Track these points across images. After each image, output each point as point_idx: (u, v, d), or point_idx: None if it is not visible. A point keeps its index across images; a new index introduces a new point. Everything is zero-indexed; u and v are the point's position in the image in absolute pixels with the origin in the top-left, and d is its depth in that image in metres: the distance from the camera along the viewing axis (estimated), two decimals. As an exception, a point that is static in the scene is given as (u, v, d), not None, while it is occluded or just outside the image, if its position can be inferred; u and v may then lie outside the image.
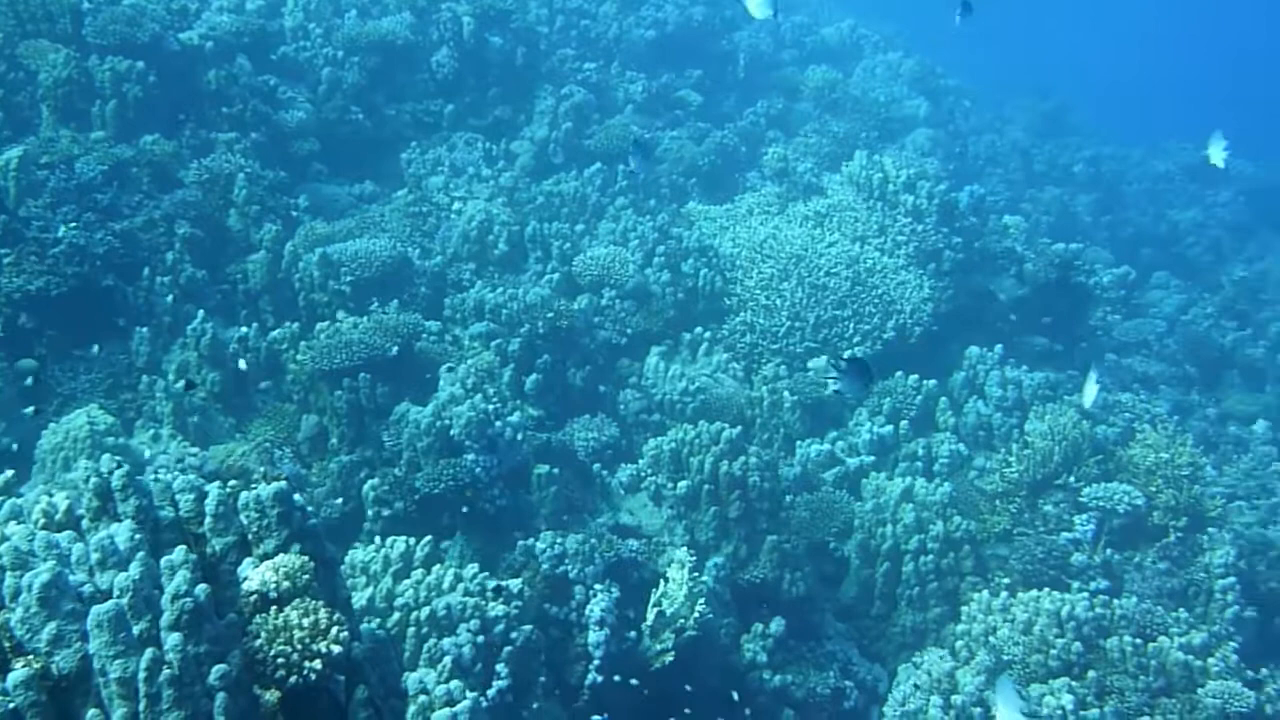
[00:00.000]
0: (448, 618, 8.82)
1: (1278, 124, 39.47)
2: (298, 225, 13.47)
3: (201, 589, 4.73)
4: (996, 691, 8.86)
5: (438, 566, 9.28)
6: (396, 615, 8.82)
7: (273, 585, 5.23)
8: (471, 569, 9.34)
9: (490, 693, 8.68)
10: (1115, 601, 10.54)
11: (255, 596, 5.22)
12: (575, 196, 15.14)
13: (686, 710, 9.95)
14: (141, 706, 4.52)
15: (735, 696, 10.46)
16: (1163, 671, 9.68)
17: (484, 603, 9.04)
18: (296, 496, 5.61)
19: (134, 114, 13.37)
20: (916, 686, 9.99)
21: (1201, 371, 17.63)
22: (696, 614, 10.11)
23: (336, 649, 5.12)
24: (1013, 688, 8.66)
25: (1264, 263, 22.24)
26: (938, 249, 14.72)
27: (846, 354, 13.18)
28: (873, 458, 12.70)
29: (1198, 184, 26.28)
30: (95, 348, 11.15)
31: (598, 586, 10.06)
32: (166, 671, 4.53)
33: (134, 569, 4.72)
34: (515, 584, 9.44)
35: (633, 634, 10.10)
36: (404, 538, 9.48)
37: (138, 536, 4.97)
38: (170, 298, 11.72)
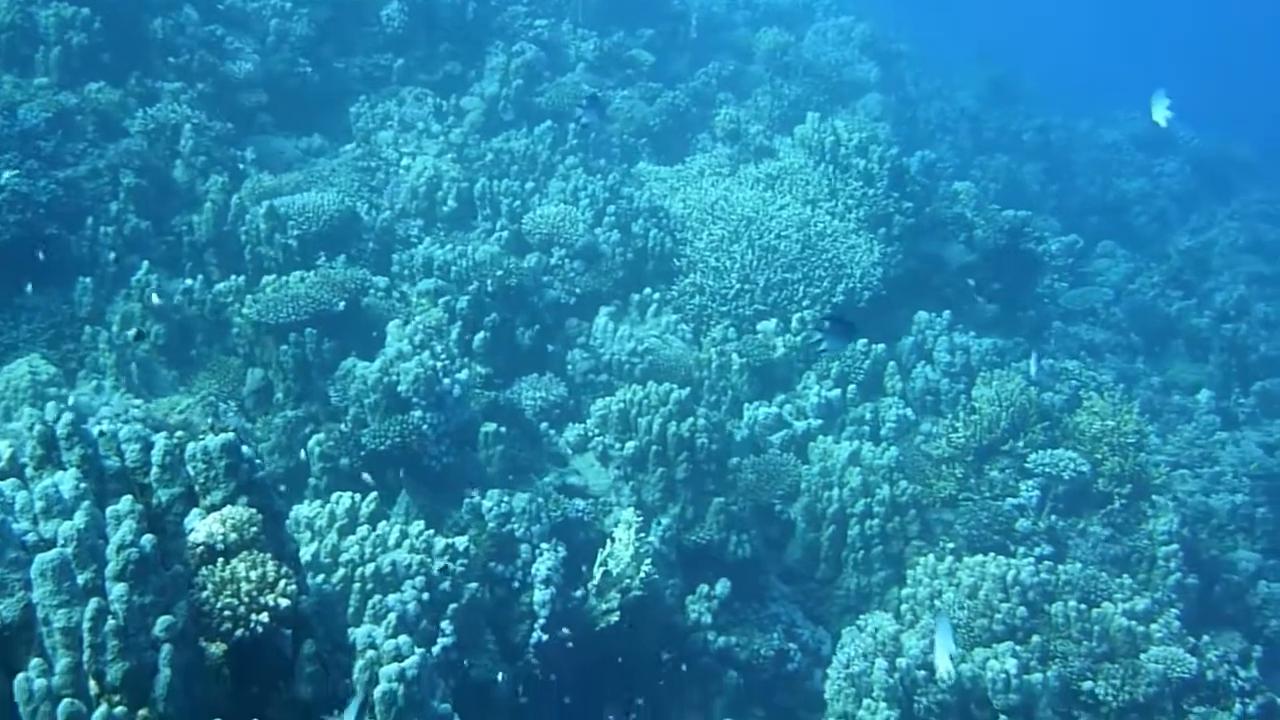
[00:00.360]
0: (393, 574, 8.77)
1: (1225, 95, 39.68)
2: (244, 178, 13.30)
3: (148, 539, 4.66)
4: (935, 627, 8.90)
5: (383, 523, 9.21)
6: (341, 571, 8.76)
7: (220, 537, 5.17)
8: (417, 526, 9.28)
9: (435, 650, 8.63)
10: (1060, 567, 10.58)
11: (202, 548, 5.16)
12: (525, 154, 15.03)
13: (619, 659, 9.96)
14: (85, 657, 4.45)
15: (665, 656, 10.49)
16: (1106, 637, 9.71)
17: (429, 560, 8.99)
18: (244, 448, 5.54)
19: (78, 61, 13.16)
20: (864, 653, 9.99)
21: (1146, 340, 17.74)
22: (642, 574, 10.10)
23: (284, 602, 5.07)
24: (949, 625, 8.69)
25: (1209, 233, 22.38)
26: (888, 214, 14.70)
27: (805, 314, 13.22)
28: (820, 421, 12.68)
29: (1145, 154, 26.42)
30: (28, 287, 10.99)
31: (544, 545, 10.02)
32: (111, 622, 4.46)
33: (79, 518, 4.64)
34: (461, 542, 9.38)
35: (578, 593, 10.07)
36: (349, 493, 9.39)
37: (83, 485, 4.89)
38: (113, 255, 11.56)
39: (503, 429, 11.10)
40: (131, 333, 10.76)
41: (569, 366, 12.72)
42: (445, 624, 8.85)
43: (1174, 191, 24.90)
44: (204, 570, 5.07)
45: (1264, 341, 17.48)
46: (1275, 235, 22.80)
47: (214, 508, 5.36)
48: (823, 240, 14.05)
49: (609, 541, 10.31)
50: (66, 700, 4.29)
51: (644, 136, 16.80)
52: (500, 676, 9.21)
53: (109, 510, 4.75)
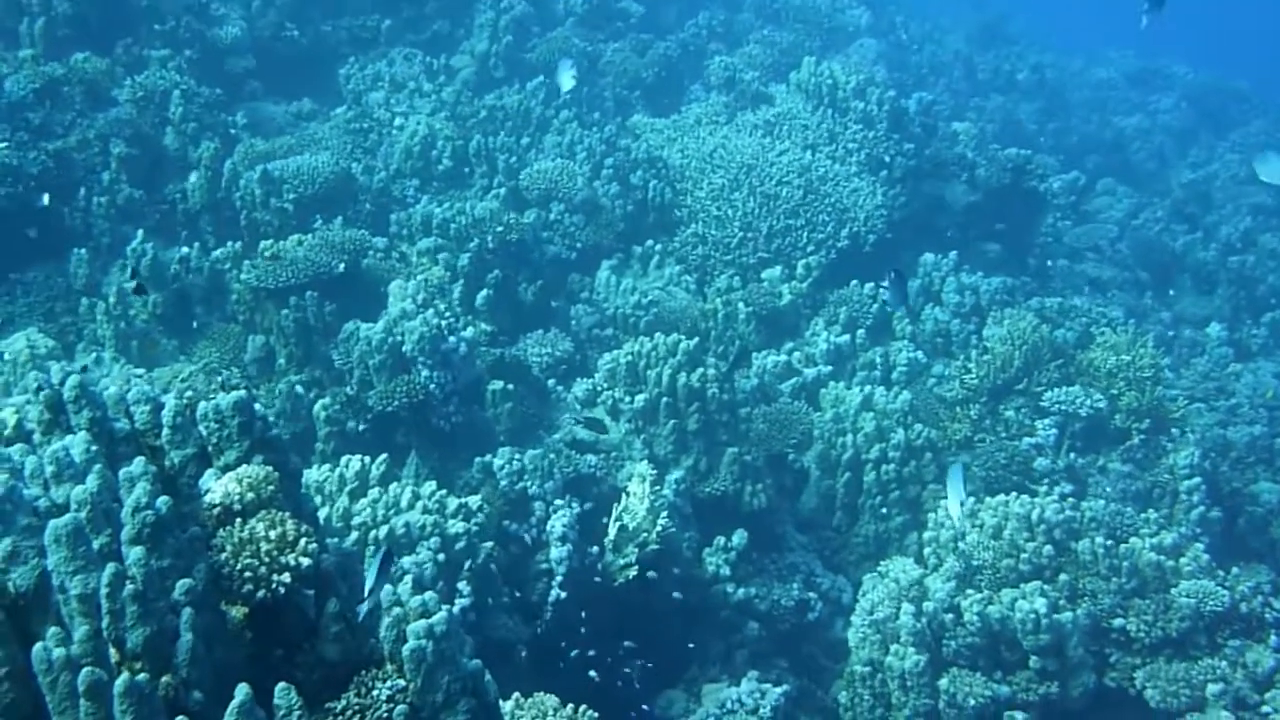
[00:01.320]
0: (407, 536, 8.63)
1: (1219, 29, 39.44)
2: (236, 143, 13.14)
3: (163, 501, 4.50)
4: (948, 480, 8.77)
5: (395, 485, 9.07)
6: (354, 535, 8.62)
7: (236, 497, 5.01)
8: (429, 486, 9.14)
9: (454, 611, 8.50)
10: (1084, 504, 10.42)
11: (218, 509, 5.00)
12: (519, 110, 14.84)
13: (638, 614, 9.84)
14: (104, 624, 4.29)
15: (682, 597, 10.37)
16: (1135, 573, 9.58)
17: (443, 520, 8.85)
18: (257, 406, 5.38)
19: (64, 31, 12.97)
20: (889, 599, 9.84)
21: (1153, 275, 17.57)
22: (659, 528, 9.95)
23: (305, 561, 4.91)
24: (961, 476, 8.57)
25: (1210, 166, 22.17)
26: (889, 156, 14.53)
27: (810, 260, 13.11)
28: (830, 368, 12.55)
29: (1140, 91, 26.29)
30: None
31: (558, 502, 9.89)
32: (129, 587, 4.30)
33: (91, 481, 4.48)
34: (474, 501, 9.24)
35: (594, 549, 9.93)
36: (359, 456, 9.25)
37: (94, 448, 4.73)
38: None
39: (510, 386, 10.95)
40: (131, 283, 10.58)
41: (573, 322, 12.60)
42: (462, 584, 8.73)
43: (1172, 127, 24.71)
44: (222, 531, 4.92)
45: (1272, 272, 17.33)
46: (1279, 166, 22.60)
47: (229, 467, 5.20)
48: (824, 185, 13.90)
49: (623, 496, 10.16)
50: (87, 669, 4.12)
51: (637, 89, 16.62)
52: (520, 635, 9.10)
53: (122, 472, 4.60)
